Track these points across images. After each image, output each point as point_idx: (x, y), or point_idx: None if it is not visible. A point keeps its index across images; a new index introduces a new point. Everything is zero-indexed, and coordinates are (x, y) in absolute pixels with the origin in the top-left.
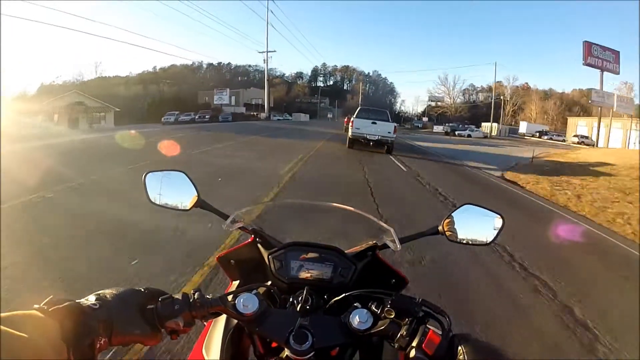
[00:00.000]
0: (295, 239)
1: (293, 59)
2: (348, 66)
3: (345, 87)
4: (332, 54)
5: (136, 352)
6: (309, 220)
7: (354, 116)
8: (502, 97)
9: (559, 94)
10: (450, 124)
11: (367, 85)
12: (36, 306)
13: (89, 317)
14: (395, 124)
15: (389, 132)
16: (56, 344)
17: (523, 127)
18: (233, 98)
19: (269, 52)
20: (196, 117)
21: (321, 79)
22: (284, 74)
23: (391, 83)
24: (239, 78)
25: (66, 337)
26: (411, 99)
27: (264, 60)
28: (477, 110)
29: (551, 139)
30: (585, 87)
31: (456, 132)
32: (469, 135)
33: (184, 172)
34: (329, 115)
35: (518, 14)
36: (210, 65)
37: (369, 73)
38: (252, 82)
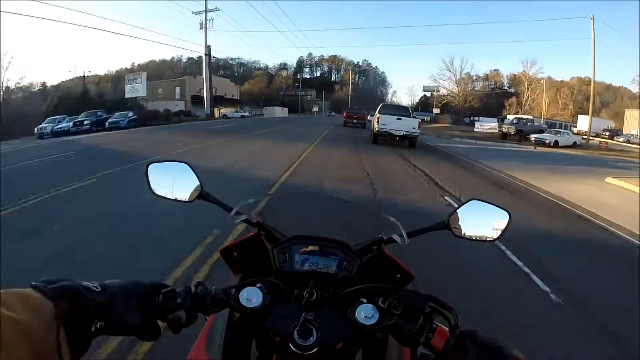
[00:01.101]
0: (299, 232)
1: (277, 49)
2: (336, 56)
3: (333, 79)
4: (319, 44)
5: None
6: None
7: (377, 112)
8: (530, 86)
9: (558, 82)
10: (513, 122)
11: (357, 76)
12: (32, 283)
13: (86, 298)
14: (419, 120)
15: (414, 128)
16: (49, 324)
17: (582, 122)
18: (178, 89)
19: (209, 11)
20: (71, 125)
21: (307, 70)
22: (266, 66)
23: (382, 73)
24: (221, 71)
25: (59, 316)
26: (404, 89)
27: (201, 23)
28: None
29: (629, 141)
30: (584, 75)
31: (532, 137)
32: (556, 143)
33: (187, 163)
34: (314, 109)
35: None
36: (190, 59)
37: (358, 62)
38: (232, 75)
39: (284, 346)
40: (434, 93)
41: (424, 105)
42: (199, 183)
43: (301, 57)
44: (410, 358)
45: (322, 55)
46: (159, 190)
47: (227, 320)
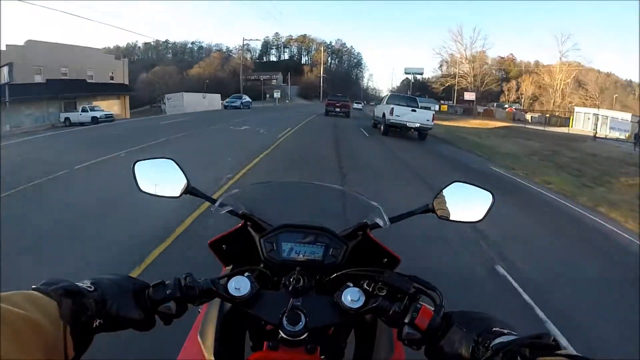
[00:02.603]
0: (285, 220)
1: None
2: (305, 35)
3: (303, 62)
4: (288, 23)
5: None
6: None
7: (385, 102)
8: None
9: (547, 67)
10: None
11: (330, 58)
12: (34, 286)
13: (86, 297)
14: (433, 112)
15: (428, 120)
16: (55, 323)
17: None
18: (5, 71)
19: None
20: None
21: (274, 51)
22: (228, 48)
23: (358, 54)
24: (179, 55)
25: (64, 316)
26: (381, 72)
27: None
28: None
29: None
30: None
31: None
32: None
33: (173, 160)
34: (276, 95)
35: None
36: (147, 45)
37: (331, 42)
38: (191, 62)
39: (274, 333)
40: (416, 76)
41: (406, 89)
42: (185, 178)
43: (267, 37)
44: (397, 338)
45: (291, 35)
46: (147, 188)
47: (219, 310)
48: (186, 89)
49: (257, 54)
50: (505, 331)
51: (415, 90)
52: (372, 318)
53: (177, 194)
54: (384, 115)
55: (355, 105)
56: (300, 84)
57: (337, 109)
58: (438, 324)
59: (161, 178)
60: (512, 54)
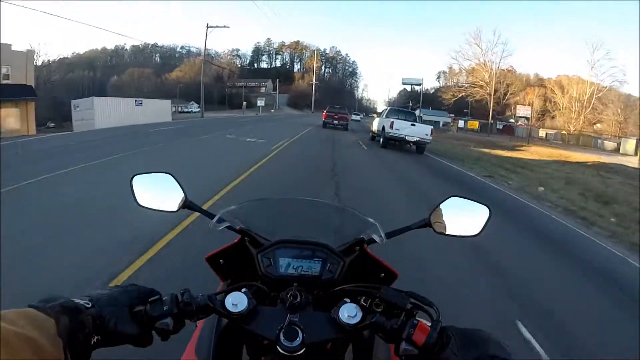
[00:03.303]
0: (283, 235)
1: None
2: (299, 42)
3: (295, 69)
4: (281, 26)
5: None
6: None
7: (385, 116)
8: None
9: (545, 80)
10: None
11: (323, 66)
12: (31, 304)
13: (83, 313)
14: (432, 127)
15: (427, 135)
16: (53, 340)
17: None
18: None
19: None
20: None
21: (265, 58)
22: (217, 52)
23: (353, 62)
24: (170, 60)
25: (62, 332)
26: (377, 83)
27: None
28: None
29: None
30: (572, 74)
31: None
32: None
33: (170, 174)
34: (259, 104)
35: None
36: (135, 47)
37: (325, 50)
38: (175, 66)
39: (272, 349)
40: (414, 87)
41: (407, 100)
42: (183, 193)
43: (258, 43)
44: (394, 354)
45: (283, 42)
46: (145, 202)
47: (216, 325)
48: (162, 94)
49: (247, 60)
50: (502, 356)
51: (417, 102)
52: (370, 334)
53: (175, 209)
54: (383, 128)
55: (354, 117)
56: (290, 92)
57: (335, 121)
58: (435, 339)
59: (159, 192)
60: (511, 66)
